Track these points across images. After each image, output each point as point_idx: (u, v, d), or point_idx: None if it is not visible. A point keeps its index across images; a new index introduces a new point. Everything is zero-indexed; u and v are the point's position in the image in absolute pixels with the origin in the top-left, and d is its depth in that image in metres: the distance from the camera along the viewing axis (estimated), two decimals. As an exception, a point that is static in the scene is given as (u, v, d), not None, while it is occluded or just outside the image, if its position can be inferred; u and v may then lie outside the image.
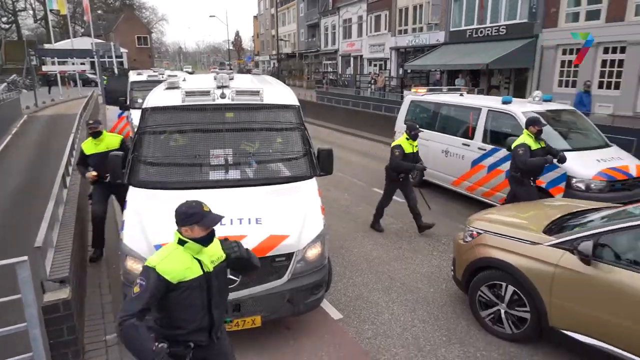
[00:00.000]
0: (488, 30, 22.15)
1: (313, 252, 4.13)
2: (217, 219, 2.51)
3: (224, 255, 2.68)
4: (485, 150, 7.78)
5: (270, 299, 3.93)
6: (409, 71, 28.03)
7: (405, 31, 29.14)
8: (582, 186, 6.48)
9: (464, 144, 8.20)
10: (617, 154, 7.20)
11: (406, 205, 7.05)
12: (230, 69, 36.70)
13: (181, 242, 2.50)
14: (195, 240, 2.49)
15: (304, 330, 4.51)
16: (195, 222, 2.45)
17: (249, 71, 10.33)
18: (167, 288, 2.41)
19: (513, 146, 6.05)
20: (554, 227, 4.26)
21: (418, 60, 25.85)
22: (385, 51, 31.50)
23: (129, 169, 4.41)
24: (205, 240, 2.52)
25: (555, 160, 6.06)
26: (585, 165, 6.57)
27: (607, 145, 7.46)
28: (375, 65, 33.85)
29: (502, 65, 20.95)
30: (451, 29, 24.69)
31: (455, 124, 8.60)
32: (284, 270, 3.98)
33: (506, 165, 7.31)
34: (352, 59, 37.51)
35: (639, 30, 14.99)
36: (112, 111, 12.69)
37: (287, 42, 52.39)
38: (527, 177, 6.07)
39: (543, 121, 6.12)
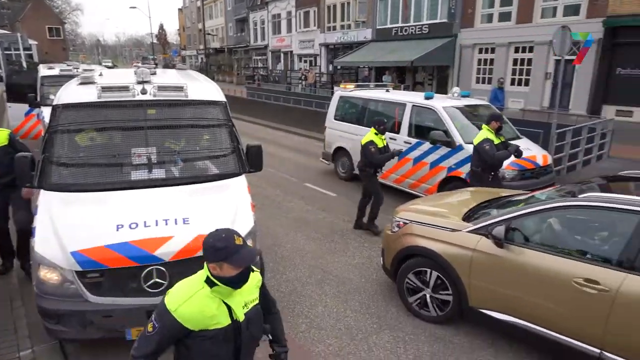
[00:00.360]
0: (412, 28, 23.12)
1: (244, 250, 4.08)
2: (252, 255, 2.08)
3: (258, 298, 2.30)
4: (410, 143, 8.13)
5: None
6: (338, 67, 28.55)
7: (334, 28, 29.60)
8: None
9: (391, 138, 8.47)
10: (526, 145, 7.84)
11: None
12: (155, 64, 35.07)
13: (209, 283, 2.08)
14: (224, 281, 2.06)
15: (238, 329, 4.45)
16: (222, 259, 2.01)
17: (174, 66, 9.86)
18: (185, 333, 2.07)
19: (475, 142, 6.26)
20: (472, 214, 4.56)
21: (347, 57, 26.40)
22: (315, 47, 31.80)
23: (39, 172, 4.07)
24: (237, 281, 2.08)
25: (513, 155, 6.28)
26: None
27: (518, 137, 8.09)
28: (305, 62, 34.06)
29: (426, 63, 22.00)
30: (378, 27, 25.48)
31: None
32: (215, 270, 3.88)
33: (430, 158, 7.73)
34: (282, 54, 37.43)
35: (544, 32, 16.36)
36: (16, 109, 11.36)
37: (215, 37, 51.05)
38: (488, 172, 6.31)
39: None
